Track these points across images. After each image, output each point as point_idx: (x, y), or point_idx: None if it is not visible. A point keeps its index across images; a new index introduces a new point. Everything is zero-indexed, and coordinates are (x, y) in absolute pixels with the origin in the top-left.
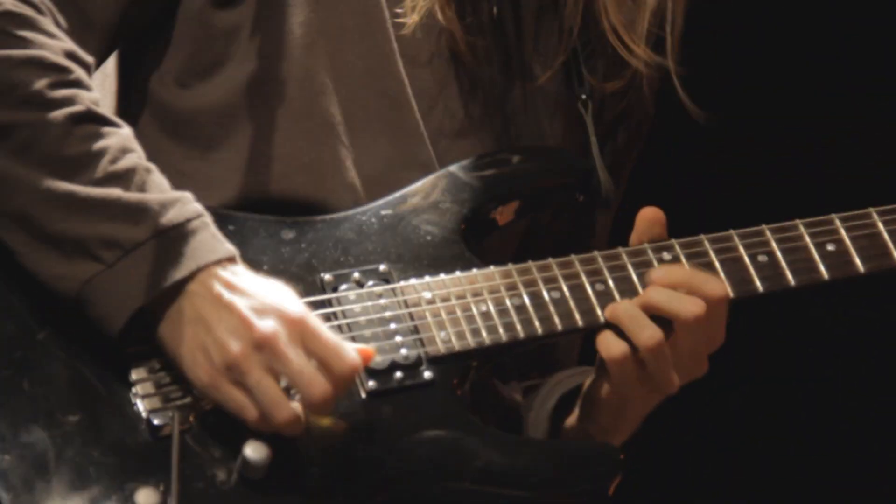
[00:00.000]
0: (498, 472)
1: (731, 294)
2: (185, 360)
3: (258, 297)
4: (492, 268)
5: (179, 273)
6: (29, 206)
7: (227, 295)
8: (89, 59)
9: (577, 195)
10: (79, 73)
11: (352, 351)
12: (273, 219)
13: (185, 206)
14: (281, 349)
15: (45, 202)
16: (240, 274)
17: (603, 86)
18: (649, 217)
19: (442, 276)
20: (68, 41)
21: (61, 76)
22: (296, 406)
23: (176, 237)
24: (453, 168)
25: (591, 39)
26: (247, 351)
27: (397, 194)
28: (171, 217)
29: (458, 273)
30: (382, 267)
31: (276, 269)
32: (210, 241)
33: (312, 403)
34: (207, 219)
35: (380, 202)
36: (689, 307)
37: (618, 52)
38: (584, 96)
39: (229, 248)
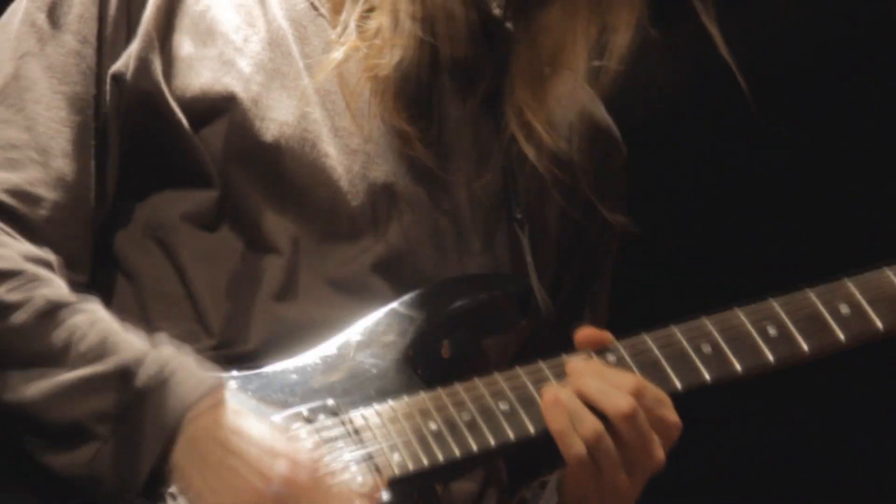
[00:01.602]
0: None
1: (679, 387)
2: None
3: (263, 441)
4: (439, 390)
5: (174, 422)
6: (18, 407)
7: (233, 440)
8: (49, 256)
9: (518, 320)
10: (35, 270)
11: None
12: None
13: (161, 354)
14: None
15: (31, 401)
16: (236, 413)
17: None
18: (585, 340)
19: (390, 402)
20: (24, 243)
21: (16, 281)
22: None
23: (162, 390)
24: (394, 304)
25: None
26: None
27: (338, 336)
28: (151, 372)
29: (405, 397)
30: (330, 402)
31: None
32: (193, 380)
33: None
34: (185, 360)
35: (321, 345)
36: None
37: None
38: (518, 216)
39: (213, 380)
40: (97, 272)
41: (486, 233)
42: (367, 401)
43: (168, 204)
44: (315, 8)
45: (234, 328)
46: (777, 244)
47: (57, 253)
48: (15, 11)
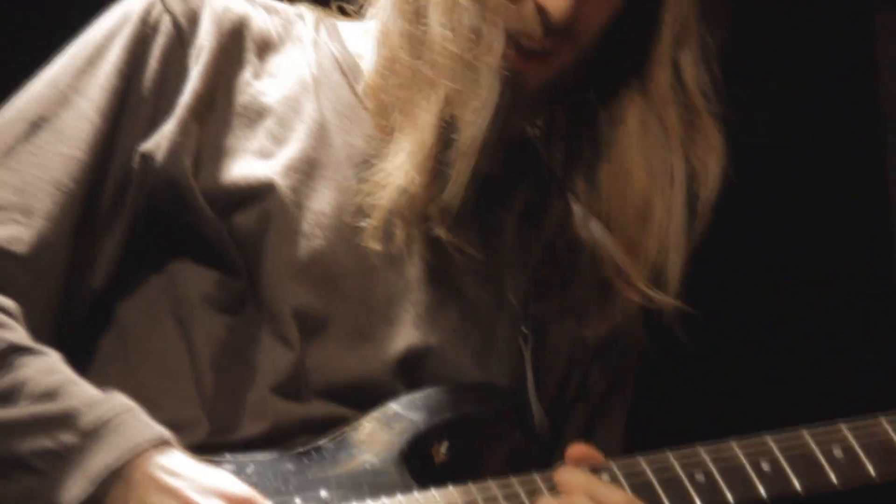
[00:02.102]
0: None
1: None
2: None
3: (199, 480)
4: (432, 490)
5: (115, 461)
6: None
7: (169, 480)
8: (13, 306)
9: (513, 433)
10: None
11: None
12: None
13: (114, 401)
14: None
15: None
16: (177, 458)
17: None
18: (577, 457)
19: (383, 499)
20: None
21: None
22: None
23: (107, 432)
24: (393, 404)
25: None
26: None
27: (336, 431)
28: (100, 414)
29: (398, 496)
30: (323, 493)
31: None
32: (142, 427)
33: None
34: (138, 412)
35: (320, 438)
36: None
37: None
38: (525, 330)
39: (162, 431)
40: (92, 337)
41: (496, 341)
42: (360, 496)
43: (189, 281)
44: (360, 101)
45: (234, 416)
46: (773, 377)
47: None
48: (47, 70)
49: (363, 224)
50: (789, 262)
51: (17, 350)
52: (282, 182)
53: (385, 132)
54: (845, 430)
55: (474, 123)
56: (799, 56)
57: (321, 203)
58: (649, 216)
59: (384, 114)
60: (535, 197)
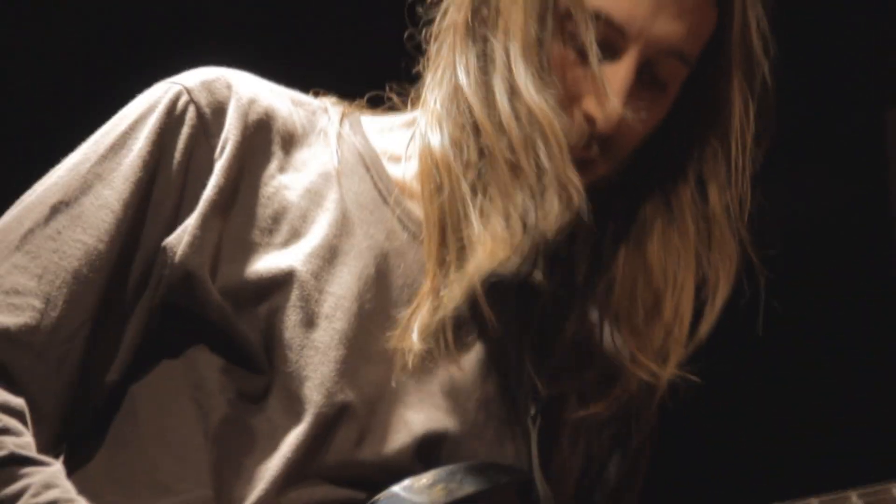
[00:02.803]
0: None
1: None
2: None
3: None
4: None
5: None
6: None
7: None
8: (24, 409)
9: None
10: (7, 421)
11: None
12: None
13: None
14: None
15: None
16: None
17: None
18: None
19: None
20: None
21: None
22: None
23: None
24: (395, 488)
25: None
26: None
27: None
28: None
29: None
30: None
31: None
32: None
33: None
34: None
35: None
36: None
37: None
38: (533, 411)
39: None
40: (103, 420)
41: (509, 423)
42: None
43: (208, 367)
44: (381, 195)
45: (248, 499)
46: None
47: (31, 403)
48: (70, 156)
49: (392, 311)
50: (799, 351)
51: (21, 461)
52: (302, 269)
53: (441, 264)
54: (854, 497)
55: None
56: (808, 148)
57: (342, 288)
58: (658, 314)
59: (444, 243)
60: (560, 288)
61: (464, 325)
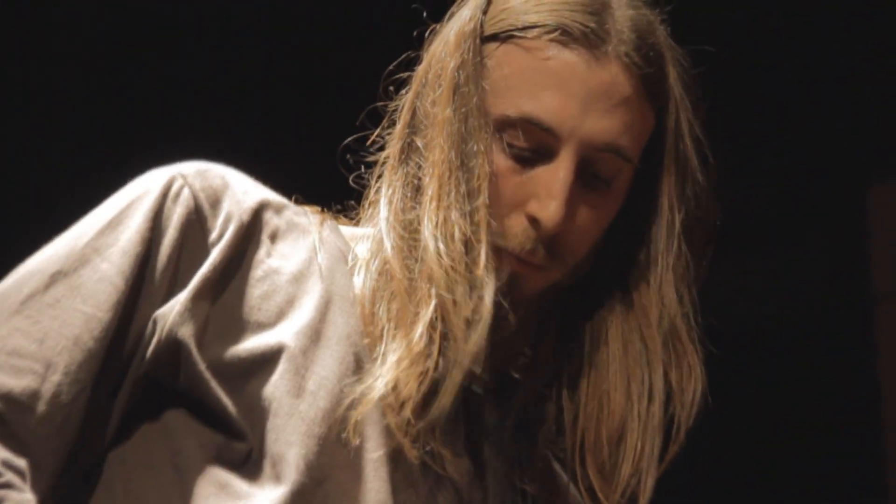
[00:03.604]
0: None
1: None
2: None
3: None
4: None
5: None
6: None
7: None
8: (25, 468)
9: None
10: (9, 476)
11: None
12: None
13: None
14: None
15: None
16: None
17: None
18: None
19: None
20: (3, 450)
21: None
22: None
23: None
24: None
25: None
26: None
27: None
28: None
29: None
30: None
31: None
32: None
33: None
34: None
35: None
36: None
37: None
38: (524, 484)
39: None
40: (79, 487)
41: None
42: None
43: (189, 435)
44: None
45: None
46: None
47: (32, 463)
48: (66, 232)
49: (349, 417)
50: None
51: None
52: (291, 344)
53: (374, 340)
54: None
55: (466, 335)
56: (791, 226)
57: (325, 369)
58: (624, 439)
59: (373, 323)
60: (527, 410)
61: (428, 455)
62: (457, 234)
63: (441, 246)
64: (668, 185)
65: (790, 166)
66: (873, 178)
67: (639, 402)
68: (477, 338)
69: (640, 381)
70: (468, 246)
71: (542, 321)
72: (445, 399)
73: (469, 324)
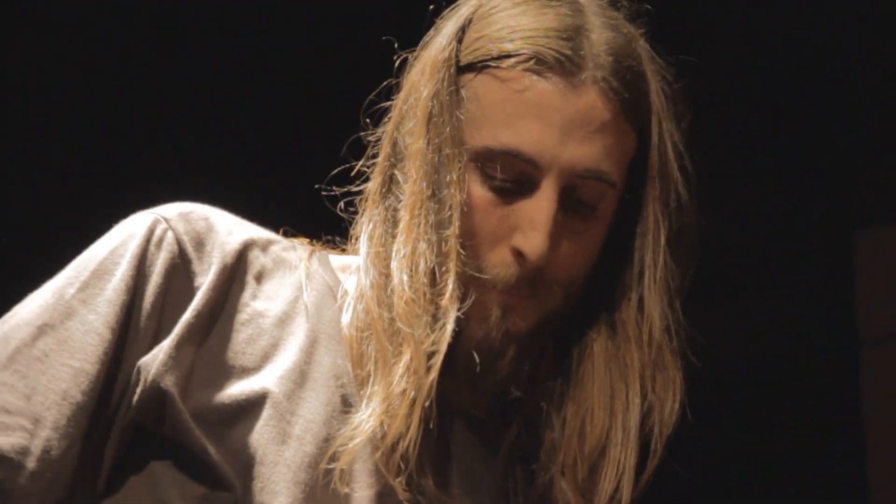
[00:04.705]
0: None
1: None
2: None
3: None
4: None
5: None
6: None
7: None
8: None
9: None
10: None
11: None
12: None
13: None
14: None
15: None
16: None
17: None
18: None
19: None
20: None
21: None
22: None
23: None
24: None
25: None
26: None
27: None
28: None
29: None
30: None
31: None
32: None
33: None
34: None
35: None
36: None
37: None
38: None
39: None
40: None
41: None
42: None
43: (172, 486)
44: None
45: None
46: None
47: None
48: (49, 283)
49: (333, 467)
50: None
51: None
52: (275, 389)
53: (362, 382)
54: None
55: (426, 366)
56: (777, 273)
57: (311, 412)
58: (605, 455)
59: (361, 364)
60: (523, 439)
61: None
62: (422, 266)
63: (405, 278)
64: (652, 200)
65: (777, 212)
66: (859, 224)
67: (622, 416)
68: (434, 367)
69: (621, 394)
70: (433, 277)
71: (541, 345)
72: (412, 432)
73: (429, 356)
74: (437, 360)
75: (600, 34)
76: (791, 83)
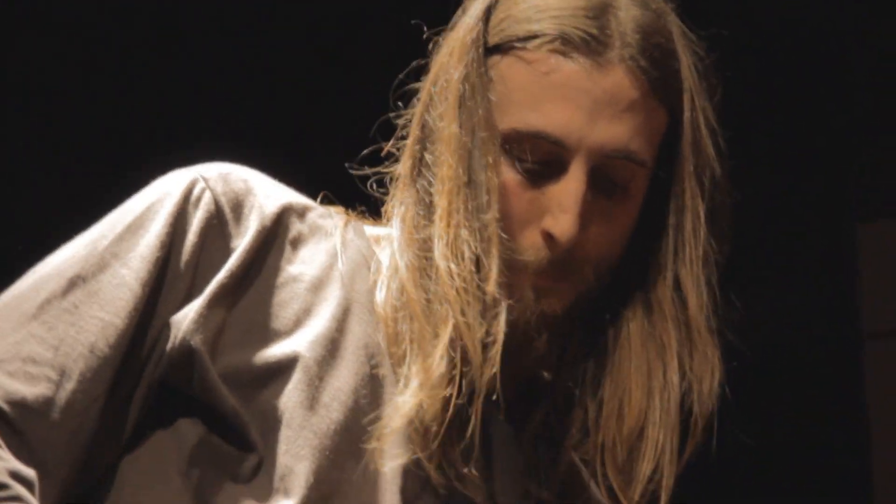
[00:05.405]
0: None
1: None
2: None
3: None
4: None
5: None
6: None
7: None
8: (34, 479)
9: None
10: (17, 489)
11: None
12: None
13: None
14: None
15: None
16: None
17: None
18: None
19: None
20: (12, 460)
21: (2, 493)
22: None
23: None
24: None
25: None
26: None
27: None
28: None
29: None
30: None
31: None
32: None
33: None
34: None
35: None
36: None
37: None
38: None
39: None
40: (93, 493)
41: None
42: None
43: (200, 443)
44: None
45: None
46: None
47: (41, 471)
48: (83, 234)
49: (370, 446)
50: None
51: None
52: (307, 354)
53: (398, 361)
54: None
55: (482, 358)
56: (780, 265)
57: (340, 381)
58: (644, 435)
59: (397, 343)
60: (550, 416)
61: (445, 477)
62: (467, 253)
63: (452, 266)
64: (687, 176)
65: (781, 204)
66: (863, 217)
67: (657, 396)
68: (493, 360)
69: (659, 375)
70: (479, 264)
71: (570, 326)
72: (469, 427)
73: (485, 346)
74: (496, 352)
75: (627, 11)
76: (797, 71)
